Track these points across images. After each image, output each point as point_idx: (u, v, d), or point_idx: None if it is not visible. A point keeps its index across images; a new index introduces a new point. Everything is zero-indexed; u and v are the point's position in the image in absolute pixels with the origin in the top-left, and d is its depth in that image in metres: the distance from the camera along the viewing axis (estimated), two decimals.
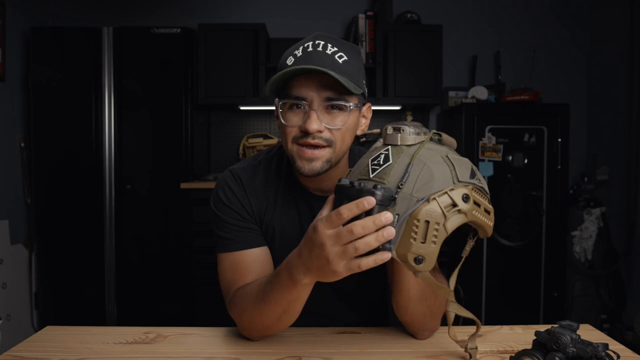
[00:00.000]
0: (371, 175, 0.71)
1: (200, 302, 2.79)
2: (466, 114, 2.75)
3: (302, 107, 0.88)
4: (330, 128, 0.88)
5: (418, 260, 0.66)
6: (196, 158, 3.03)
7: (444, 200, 0.66)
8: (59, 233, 2.82)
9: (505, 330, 0.99)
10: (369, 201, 0.64)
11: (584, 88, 3.35)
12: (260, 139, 3.25)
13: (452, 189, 0.67)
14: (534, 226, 2.75)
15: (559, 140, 2.75)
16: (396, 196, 0.67)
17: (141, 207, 2.83)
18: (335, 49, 0.89)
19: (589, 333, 0.96)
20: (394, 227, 0.65)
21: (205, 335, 0.96)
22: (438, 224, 0.65)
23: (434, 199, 0.66)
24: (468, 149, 2.74)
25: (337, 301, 1.05)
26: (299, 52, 0.89)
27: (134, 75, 2.82)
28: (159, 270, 2.84)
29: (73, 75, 2.80)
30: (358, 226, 0.63)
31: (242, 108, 3.18)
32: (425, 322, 0.90)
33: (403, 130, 0.73)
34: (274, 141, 3.24)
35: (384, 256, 0.65)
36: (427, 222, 0.65)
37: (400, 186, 0.67)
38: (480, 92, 2.93)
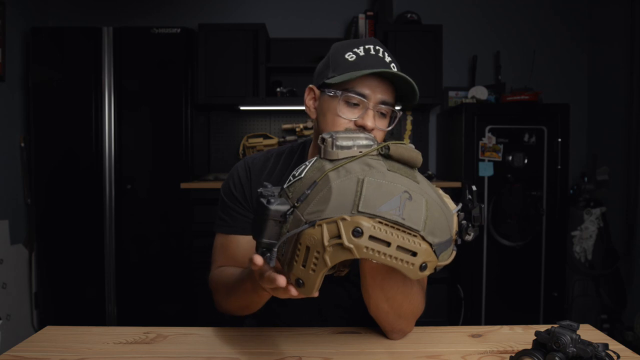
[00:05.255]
0: (285, 186, 0.69)
1: (200, 302, 2.79)
2: (466, 114, 2.75)
3: (360, 104, 0.93)
4: (379, 129, 0.95)
5: (298, 282, 0.63)
6: (196, 158, 3.03)
7: (330, 229, 0.59)
8: (59, 233, 2.82)
9: (505, 330, 0.98)
10: (257, 260, 0.66)
11: (584, 88, 3.35)
12: (260, 139, 3.25)
13: (344, 219, 0.59)
14: (534, 226, 2.75)
15: (559, 140, 2.75)
16: (288, 213, 0.64)
17: (141, 207, 2.83)
18: (390, 58, 0.96)
19: (589, 333, 0.96)
20: (281, 246, 0.65)
21: (205, 335, 0.96)
22: (318, 252, 0.60)
23: (320, 225, 0.60)
24: (468, 149, 2.74)
25: (350, 301, 1.06)
26: (360, 51, 0.94)
27: (134, 75, 2.82)
28: (159, 270, 2.84)
29: (73, 75, 2.80)
30: (266, 278, 0.67)
31: (242, 108, 3.18)
32: (391, 321, 0.89)
33: (325, 143, 0.68)
34: (274, 141, 3.24)
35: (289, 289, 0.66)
36: (308, 247, 0.61)
37: (296, 205, 0.64)
38: (480, 92, 2.93)
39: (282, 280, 0.63)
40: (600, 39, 3.25)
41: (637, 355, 0.84)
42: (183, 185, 2.78)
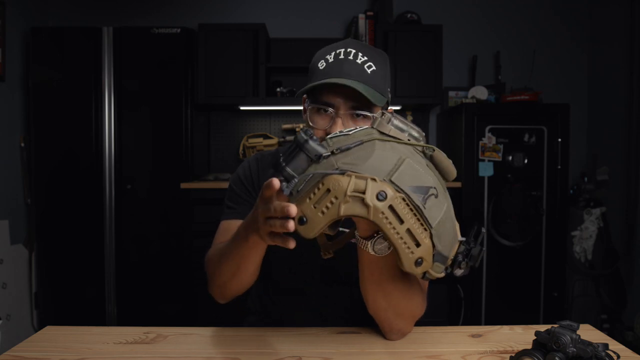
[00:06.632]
0: (328, 137, 0.71)
1: (200, 302, 2.79)
2: (466, 114, 2.75)
3: (329, 112, 0.93)
4: None
5: (301, 220, 0.64)
6: (196, 158, 3.03)
7: (358, 183, 0.61)
8: (59, 233, 2.82)
9: (505, 330, 0.98)
10: (274, 181, 0.65)
11: (584, 88, 3.35)
12: (260, 139, 3.25)
13: (374, 180, 0.61)
14: (534, 226, 2.75)
15: (559, 140, 2.75)
16: (324, 155, 0.66)
17: (141, 207, 2.83)
18: (365, 58, 0.93)
19: (589, 333, 0.96)
20: (300, 181, 0.66)
21: (205, 335, 0.95)
22: (336, 198, 0.61)
23: (350, 175, 0.62)
24: (468, 149, 2.74)
25: (350, 301, 1.06)
26: (330, 58, 0.93)
27: (134, 75, 2.82)
28: (159, 270, 2.84)
29: (73, 75, 2.80)
30: (272, 207, 0.67)
31: (242, 108, 3.18)
32: (390, 320, 0.88)
33: (383, 117, 0.71)
34: (274, 141, 3.24)
35: (289, 225, 0.64)
36: (329, 190, 0.62)
37: (335, 152, 0.66)
38: (480, 92, 2.93)
39: (293, 208, 0.63)
40: (600, 39, 3.25)
41: (637, 355, 0.84)
42: (183, 185, 2.78)
